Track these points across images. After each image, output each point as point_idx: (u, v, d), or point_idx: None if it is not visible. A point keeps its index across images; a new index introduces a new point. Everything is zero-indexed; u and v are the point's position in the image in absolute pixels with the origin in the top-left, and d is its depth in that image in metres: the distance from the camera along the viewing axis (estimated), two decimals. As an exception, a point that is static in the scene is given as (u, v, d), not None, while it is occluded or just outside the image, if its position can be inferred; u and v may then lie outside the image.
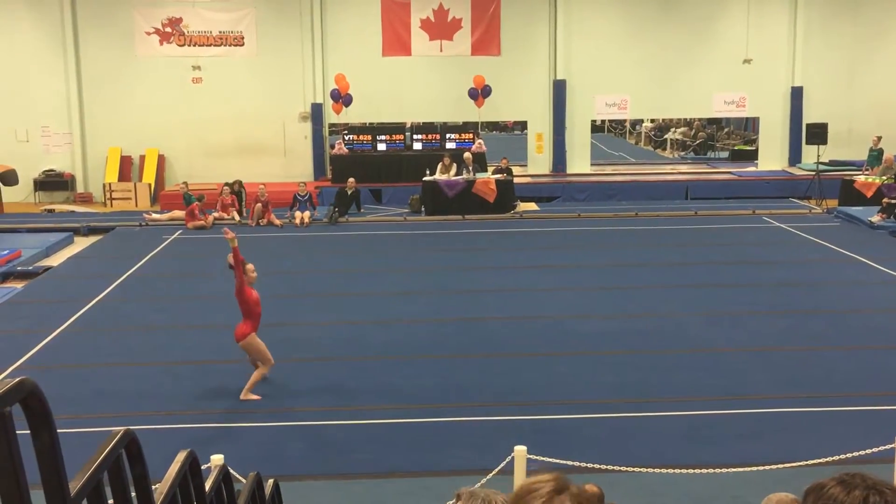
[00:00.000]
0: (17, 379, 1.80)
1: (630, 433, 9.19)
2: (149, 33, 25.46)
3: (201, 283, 16.17)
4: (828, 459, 7.44)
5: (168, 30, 25.49)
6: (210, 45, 25.61)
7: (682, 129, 37.54)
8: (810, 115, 25.85)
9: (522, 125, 27.70)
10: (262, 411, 9.86)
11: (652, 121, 39.73)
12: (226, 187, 22.38)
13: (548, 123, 26.54)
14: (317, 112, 25.95)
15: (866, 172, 23.55)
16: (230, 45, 25.68)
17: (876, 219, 20.11)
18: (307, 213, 21.83)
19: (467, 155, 23.24)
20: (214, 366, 11.57)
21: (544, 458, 7.36)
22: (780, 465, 7.60)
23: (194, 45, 25.58)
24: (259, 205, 21.66)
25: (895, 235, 19.16)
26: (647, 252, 18.26)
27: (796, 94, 26.40)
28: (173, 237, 20.39)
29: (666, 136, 38.30)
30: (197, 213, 21.52)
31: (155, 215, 22.44)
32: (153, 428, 9.11)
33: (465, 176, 22.72)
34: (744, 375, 10.83)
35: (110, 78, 25.47)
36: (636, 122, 41.69)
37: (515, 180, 23.86)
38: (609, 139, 42.77)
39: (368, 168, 24.63)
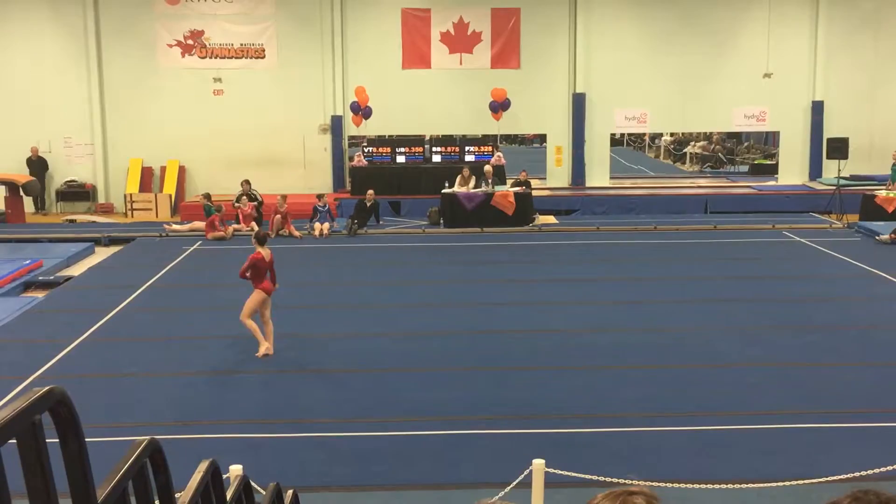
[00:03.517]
0: (47, 388, 1.84)
1: (648, 447, 9.17)
2: (171, 45, 25.68)
3: (221, 293, 16.23)
4: (844, 476, 7.41)
5: (190, 42, 25.71)
6: (231, 58, 25.81)
7: (701, 143, 37.44)
8: (831, 130, 25.75)
9: (542, 138, 27.74)
10: (281, 422, 9.91)
11: (671, 135, 39.65)
12: (241, 193, 22.48)
13: (567, 137, 26.55)
14: (336, 124, 26.07)
15: (888, 187, 23.42)
16: (251, 58, 25.87)
17: (885, 238, 19.97)
18: (326, 225, 21.91)
19: (488, 168, 23.28)
20: (234, 377, 11.63)
21: (562, 472, 7.37)
22: (797, 482, 7.57)
23: (216, 58, 25.78)
24: (278, 216, 21.75)
25: (916, 251, 19.04)
26: (665, 266, 18.22)
27: (817, 109, 26.31)
28: (193, 248, 20.51)
29: (685, 150, 38.21)
30: (217, 225, 21.63)
31: (175, 226, 22.59)
32: (173, 438, 9.14)
33: (483, 189, 22.75)
34: (761, 391, 10.78)
35: (132, 89, 25.70)
36: (655, 136, 41.62)
37: (534, 193, 23.88)
38: (628, 153, 42.71)
39: (387, 180, 24.71)
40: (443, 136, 27.77)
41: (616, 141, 37.99)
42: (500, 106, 25.06)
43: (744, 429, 9.54)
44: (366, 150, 26.25)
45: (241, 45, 25.82)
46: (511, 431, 9.57)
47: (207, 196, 23.04)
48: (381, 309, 14.87)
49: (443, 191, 22.84)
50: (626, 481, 7.49)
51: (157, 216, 24.58)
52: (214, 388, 11.21)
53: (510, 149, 36.48)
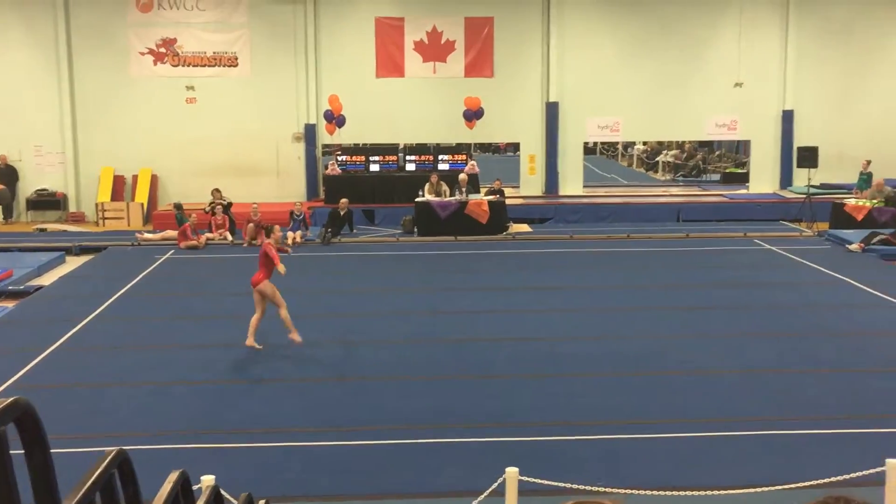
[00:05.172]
0: (11, 399, 1.82)
1: (621, 455, 9.19)
2: (143, 53, 25.57)
3: (193, 302, 16.18)
4: (816, 482, 7.46)
5: (162, 50, 25.60)
6: (204, 66, 25.72)
7: (673, 152, 37.69)
8: (801, 139, 26.02)
9: (515, 147, 27.80)
10: (254, 431, 9.85)
11: (644, 143, 39.88)
12: (212, 203, 22.42)
13: (540, 145, 26.65)
14: (310, 133, 26.03)
15: (856, 196, 23.66)
16: (224, 66, 25.79)
17: (854, 247, 20.17)
18: (299, 233, 21.86)
19: (462, 176, 23.33)
20: (207, 386, 11.55)
21: (536, 480, 7.36)
22: (769, 488, 7.61)
23: (188, 66, 25.69)
24: (251, 225, 21.66)
25: (885, 259, 19.23)
26: (639, 274, 18.31)
27: (787, 118, 26.57)
28: (165, 257, 20.39)
29: (658, 159, 38.45)
30: (189, 234, 21.52)
31: (147, 235, 22.45)
32: (145, 448, 9.07)
33: (457, 197, 22.79)
34: (734, 398, 10.85)
35: (104, 98, 25.56)
36: (628, 145, 41.84)
37: (508, 202, 23.95)
38: (601, 161, 42.92)
39: (361, 189, 24.70)
40: (417, 144, 27.78)
41: (589, 149, 38.16)
42: (473, 114, 25.12)
43: (717, 435, 9.59)
44: (339, 158, 26.26)
45: (214, 53, 25.74)
46: (486, 440, 9.56)
47: (178, 206, 22.96)
48: (355, 317, 14.84)
49: (416, 199, 22.84)
50: (599, 489, 7.51)
51: (128, 225, 24.42)
52: (187, 397, 11.13)
53: (484, 157, 36.56)
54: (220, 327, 14.32)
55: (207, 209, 22.60)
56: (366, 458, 9.17)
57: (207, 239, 21.84)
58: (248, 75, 25.85)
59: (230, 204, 22.94)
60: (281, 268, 12.64)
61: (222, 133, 25.71)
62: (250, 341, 12.71)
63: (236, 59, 25.80)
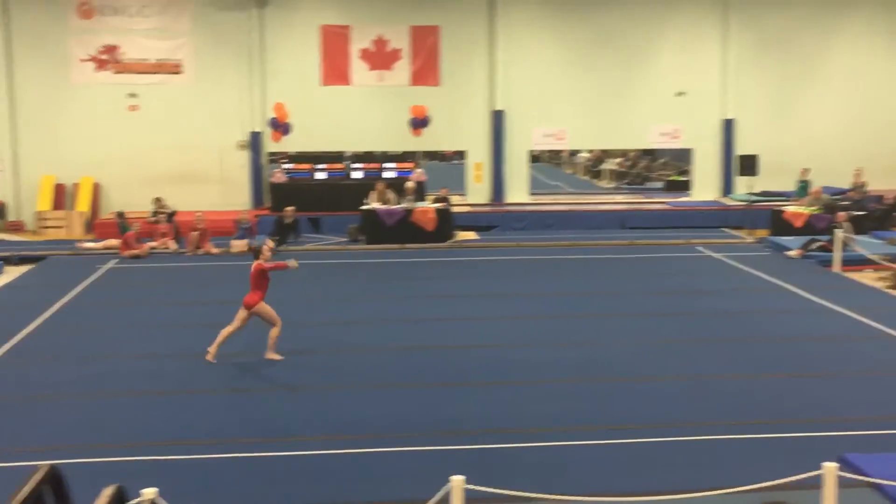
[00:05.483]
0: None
1: (568, 462, 9.26)
2: (84, 60, 25.23)
3: (136, 312, 15.96)
4: (755, 486, 7.58)
5: (104, 57, 25.28)
6: (147, 73, 25.45)
7: (617, 160, 38.09)
8: (742, 147, 26.50)
9: (462, 155, 27.89)
10: (198, 443, 9.74)
11: (589, 151, 40.23)
12: (156, 211, 22.22)
13: (487, 153, 26.78)
14: (256, 140, 25.87)
15: (795, 203, 24.11)
16: (168, 73, 25.54)
17: (794, 254, 20.56)
18: (245, 242, 21.70)
19: (410, 184, 23.36)
20: (150, 397, 11.41)
21: (483, 488, 7.39)
22: (709, 493, 7.73)
23: (131, 73, 25.40)
24: (196, 233, 21.48)
25: (824, 265, 19.61)
26: (584, 281, 18.49)
27: (728, 127, 27.01)
28: (108, 266, 20.11)
29: (602, 167, 38.81)
30: (132, 242, 21.27)
31: (89, 244, 22.13)
32: (87, 462, 8.96)
33: (404, 205, 22.80)
34: (678, 404, 10.99)
35: (44, 105, 25.17)
36: (573, 153, 42.16)
37: (454, 209, 24.02)
38: (547, 169, 43.21)
39: (307, 197, 24.58)
40: (363, 152, 27.75)
41: (535, 157, 38.39)
42: (420, 123, 25.19)
43: (661, 441, 9.70)
44: (285, 166, 26.13)
45: (157, 60, 25.47)
46: (433, 448, 9.56)
47: (120, 214, 22.69)
48: (301, 327, 14.75)
49: (363, 207, 22.81)
50: (545, 497, 7.56)
51: (70, 234, 24.04)
52: (129, 409, 10.98)
53: (430, 165, 36.58)
54: (163, 337, 14.16)
55: (152, 218, 22.36)
56: (311, 469, 9.12)
57: (151, 248, 21.60)
58: (192, 83, 25.62)
59: (174, 212, 22.74)
60: (293, 263, 13.08)
61: (166, 141, 25.45)
62: (214, 352, 12.72)
63: (180, 66, 25.56)
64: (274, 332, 12.79)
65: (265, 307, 12.74)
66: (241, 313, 12.74)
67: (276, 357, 12.75)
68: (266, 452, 9.48)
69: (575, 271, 19.52)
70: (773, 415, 10.51)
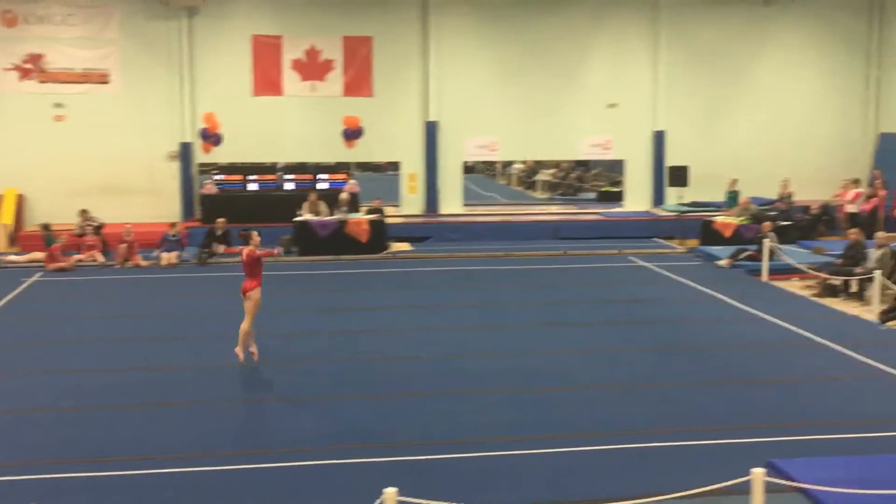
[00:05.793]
0: None
1: (502, 472, 9.23)
2: (8, 69, 24.66)
3: (62, 326, 15.58)
4: (686, 493, 7.62)
5: (29, 66, 24.73)
6: (73, 83, 24.95)
7: (551, 171, 38.37)
8: (672, 158, 26.88)
9: (395, 166, 27.85)
10: (124, 459, 9.50)
11: (523, 162, 40.48)
12: (82, 224, 21.78)
13: (420, 164, 26.75)
14: (186, 151, 25.51)
15: (724, 213, 24.49)
16: (95, 83, 25.06)
17: (723, 263, 20.90)
18: (175, 254, 21.37)
19: (344, 195, 23.26)
20: (74, 413, 11.10)
21: (417, 500, 7.31)
22: (641, 500, 7.74)
23: (57, 83, 24.88)
24: (124, 245, 21.08)
25: (752, 274, 19.94)
26: (519, 291, 18.54)
27: (659, 138, 27.38)
28: (32, 279, 19.63)
29: (536, 178, 39.07)
30: (58, 255, 20.80)
31: (13, 257, 21.60)
32: (8, 480, 8.69)
33: (337, 216, 22.66)
34: (611, 412, 11.04)
35: (-34, 114, 24.53)
36: (507, 164, 42.39)
37: (388, 220, 23.96)
38: (481, 180, 43.37)
39: (239, 208, 24.30)
40: (296, 163, 27.54)
41: (469, 168, 38.50)
42: (353, 134, 25.10)
43: (596, 449, 9.71)
44: (216, 177, 25.84)
45: (84, 69, 24.99)
46: (366, 460, 9.46)
47: (46, 226, 22.19)
48: (232, 339, 14.52)
49: (295, 218, 22.61)
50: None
51: (-8, 247, 23.43)
52: (54, 424, 10.67)
53: (364, 176, 36.49)
54: (89, 352, 13.84)
55: (78, 230, 21.89)
56: (242, 484, 8.95)
57: (77, 261, 21.15)
58: (120, 92, 25.17)
59: (101, 225, 22.30)
60: (279, 250, 13.26)
61: (93, 151, 24.97)
62: (241, 350, 12.91)
63: (107, 75, 25.10)
64: (245, 326, 12.83)
65: (257, 294, 12.82)
66: (245, 303, 12.88)
67: (242, 356, 12.83)
68: (193, 468, 9.27)
69: (509, 281, 19.57)
70: (703, 422, 10.62)
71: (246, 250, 12.85)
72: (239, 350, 12.81)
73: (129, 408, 11.32)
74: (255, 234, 13.04)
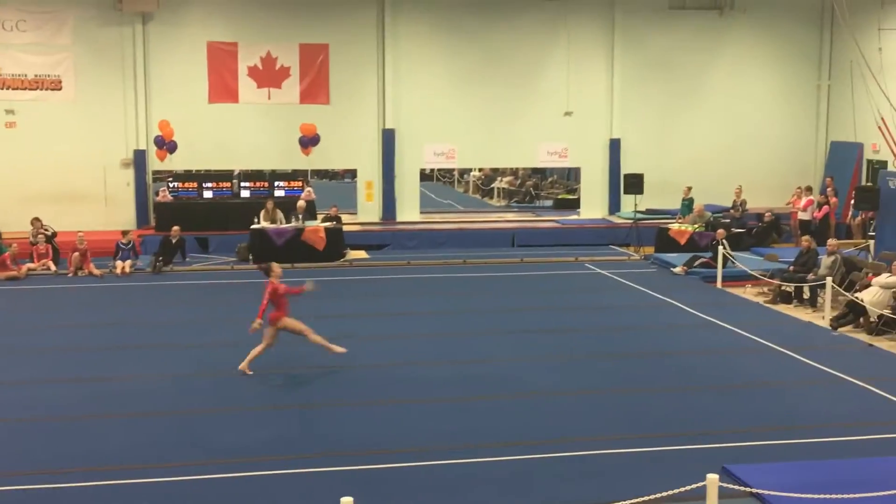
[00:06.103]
0: None
1: (457, 480, 9.22)
2: (-43, 75, 24.27)
3: (11, 335, 15.31)
4: (641, 499, 7.66)
5: (-21, 71, 24.36)
6: (25, 89, 24.60)
7: (508, 179, 38.46)
8: (628, 166, 27.06)
9: (352, 173, 27.79)
10: (76, 470, 9.35)
11: (480, 170, 40.54)
12: (35, 232, 21.45)
13: (377, 172, 26.70)
14: (140, 159, 25.24)
15: (679, 221, 24.71)
16: (47, 90, 24.72)
17: (678, 270, 21.09)
18: (129, 263, 21.13)
19: (301, 203, 23.13)
20: (26, 424, 10.92)
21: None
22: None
23: (7, 89, 24.52)
24: (77, 254, 20.80)
25: (707, 281, 20.14)
26: (476, 299, 18.55)
27: (615, 146, 27.58)
28: (-18, 289, 19.30)
29: (493, 185, 39.15)
30: (9, 264, 20.48)
31: (-38, 266, 21.19)
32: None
33: (294, 224, 22.55)
34: (568, 419, 11.08)
35: (-86, 121, 24.07)
36: (465, 171, 42.44)
37: (345, 228, 23.88)
38: (438, 187, 43.36)
39: (194, 216, 24.09)
40: (252, 171, 27.35)
41: (426, 176, 38.55)
42: (309, 141, 24.97)
43: (551, 456, 9.74)
44: (171, 185, 25.58)
45: (36, 76, 24.64)
46: (319, 470, 9.40)
47: (-5, 234, 21.83)
48: (187, 349, 14.41)
49: (252, 226, 22.46)
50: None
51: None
52: (10, 435, 10.49)
53: (321, 184, 36.31)
54: (40, 362, 13.62)
55: (33, 240, 21.52)
56: (192, 494, 8.86)
57: (29, 269, 20.83)
58: (73, 99, 24.85)
59: (54, 233, 21.99)
60: (310, 285, 13.50)
61: (45, 159, 24.61)
62: (334, 347, 13.23)
63: (60, 82, 24.77)
64: (313, 337, 13.09)
65: (288, 323, 12.96)
66: (269, 331, 12.94)
67: (341, 349, 13.24)
68: (145, 479, 9.15)
69: (467, 289, 19.58)
70: (658, 428, 10.69)
71: (270, 285, 12.85)
72: (331, 347, 13.22)
73: (81, 418, 11.15)
74: (275, 265, 13.16)
